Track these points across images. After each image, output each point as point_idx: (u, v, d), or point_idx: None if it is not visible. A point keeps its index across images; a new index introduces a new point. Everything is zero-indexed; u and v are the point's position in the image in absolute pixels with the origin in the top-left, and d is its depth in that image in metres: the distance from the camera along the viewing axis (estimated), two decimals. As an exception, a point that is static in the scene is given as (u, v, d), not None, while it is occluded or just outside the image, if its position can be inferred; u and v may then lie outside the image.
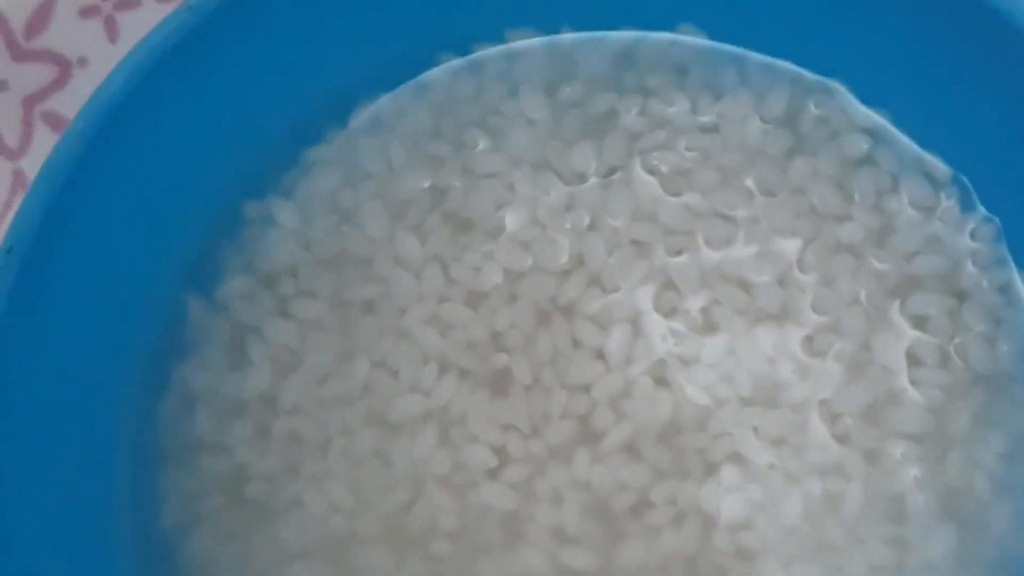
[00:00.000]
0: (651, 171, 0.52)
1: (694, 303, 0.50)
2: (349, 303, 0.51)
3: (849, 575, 0.47)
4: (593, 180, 0.52)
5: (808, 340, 0.49)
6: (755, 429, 0.49)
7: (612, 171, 0.52)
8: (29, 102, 0.58)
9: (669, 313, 0.50)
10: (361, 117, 0.54)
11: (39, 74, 0.58)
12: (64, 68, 0.58)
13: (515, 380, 0.50)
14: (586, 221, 0.51)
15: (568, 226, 0.51)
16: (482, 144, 0.53)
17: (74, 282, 0.46)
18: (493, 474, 0.49)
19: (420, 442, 0.49)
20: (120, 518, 0.49)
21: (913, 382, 0.49)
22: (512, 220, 0.52)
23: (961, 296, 0.50)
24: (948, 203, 0.51)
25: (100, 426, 0.48)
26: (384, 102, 0.54)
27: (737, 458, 0.48)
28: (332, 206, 0.53)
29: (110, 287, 0.48)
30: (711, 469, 0.48)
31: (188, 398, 0.51)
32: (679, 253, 0.51)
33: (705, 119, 0.53)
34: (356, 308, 0.51)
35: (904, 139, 0.52)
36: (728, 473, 0.48)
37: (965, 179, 0.51)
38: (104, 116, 0.45)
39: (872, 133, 0.52)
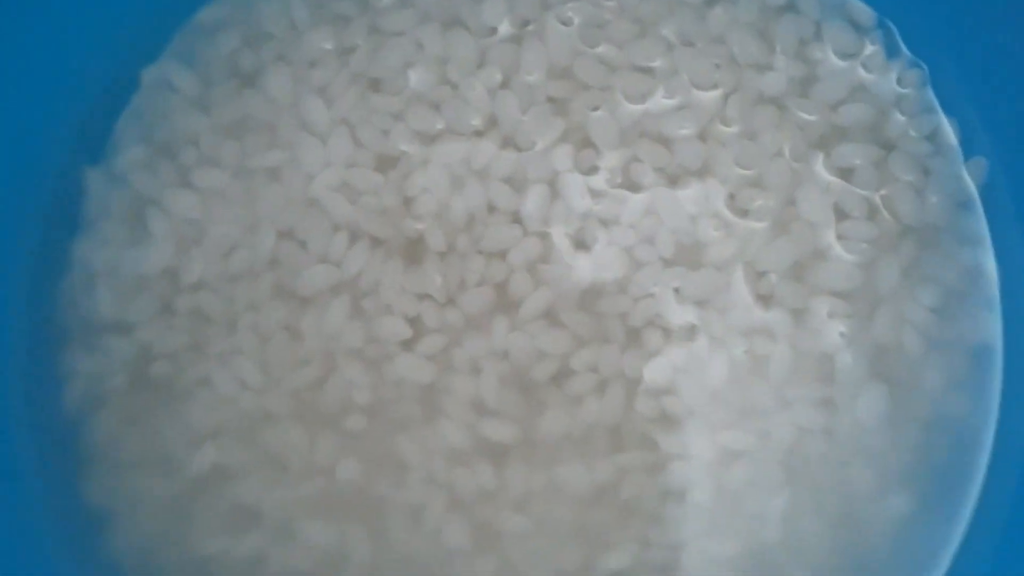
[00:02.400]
0: (565, 24, 0.48)
1: (613, 161, 0.46)
2: (253, 171, 0.47)
3: (777, 439, 0.45)
4: (505, 35, 0.48)
5: (731, 197, 0.46)
6: (677, 291, 0.45)
7: (525, 25, 0.48)
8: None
9: (587, 172, 0.46)
10: (258, -26, 0.50)
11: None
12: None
13: (429, 247, 0.46)
14: (498, 78, 0.47)
15: (480, 84, 0.47)
16: (388, 0, 0.49)
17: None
18: (408, 346, 0.45)
19: (331, 315, 0.45)
20: (16, 402, 0.45)
21: (840, 237, 0.46)
22: (420, 80, 0.48)
23: (888, 146, 0.47)
24: (872, 49, 0.48)
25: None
26: (283, -43, 0.50)
27: (659, 321, 0.45)
28: (232, 70, 0.48)
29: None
30: (633, 334, 0.45)
31: (87, 275, 0.47)
32: (596, 109, 0.47)
33: (620, -33, 0.49)
34: (261, 176, 0.47)
35: (826, -18, 0.48)
36: (650, 337, 0.45)
37: (890, 23, 0.48)
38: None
39: (793, -22, 0.48)
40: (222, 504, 0.45)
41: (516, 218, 0.46)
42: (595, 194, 0.46)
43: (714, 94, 0.47)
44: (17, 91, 0.45)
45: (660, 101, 0.47)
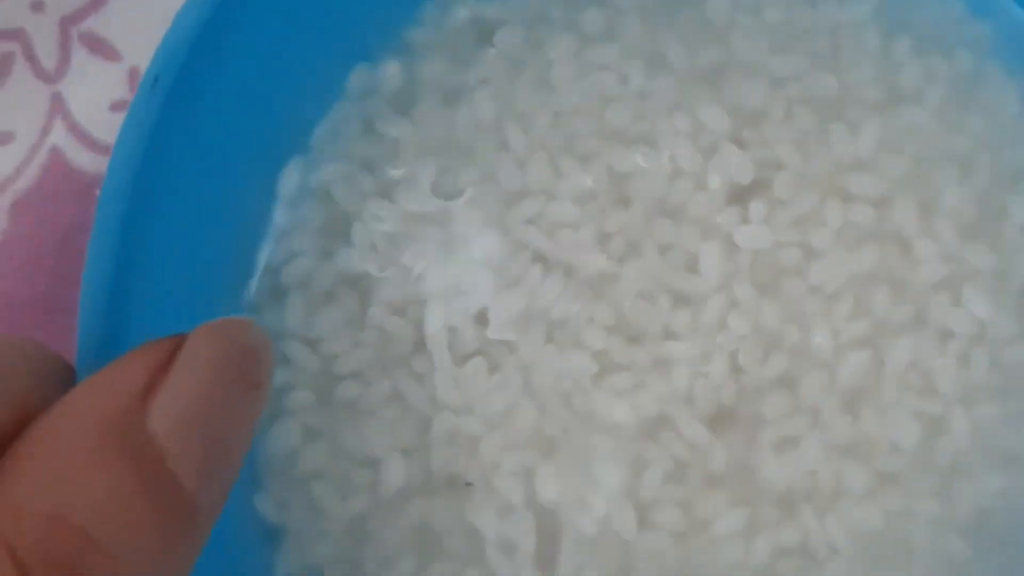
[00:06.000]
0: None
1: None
2: (451, 193, 0.45)
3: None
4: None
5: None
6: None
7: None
8: (66, 23, 0.51)
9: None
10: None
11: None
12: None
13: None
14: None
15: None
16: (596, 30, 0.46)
17: (216, 125, 0.41)
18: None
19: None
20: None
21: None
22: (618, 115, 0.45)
23: None
24: None
25: (199, 295, 0.42)
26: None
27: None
28: (438, 88, 0.46)
29: (237, 147, 0.43)
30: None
31: (278, 284, 0.44)
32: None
33: None
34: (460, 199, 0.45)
35: None
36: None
37: None
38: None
39: None
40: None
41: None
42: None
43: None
44: (228, 93, 0.42)
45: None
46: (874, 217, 0.44)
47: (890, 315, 0.43)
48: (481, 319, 0.44)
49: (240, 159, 0.43)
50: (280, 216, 0.45)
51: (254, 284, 0.44)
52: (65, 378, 0.34)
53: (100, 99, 0.50)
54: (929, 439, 0.43)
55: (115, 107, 0.50)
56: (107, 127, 0.50)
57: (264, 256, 0.44)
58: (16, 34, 0.50)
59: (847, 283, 0.44)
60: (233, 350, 0.33)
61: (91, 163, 0.50)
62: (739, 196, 0.45)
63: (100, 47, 0.51)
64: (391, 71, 0.46)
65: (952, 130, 0.45)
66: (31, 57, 0.50)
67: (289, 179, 0.45)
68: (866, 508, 0.43)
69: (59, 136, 0.50)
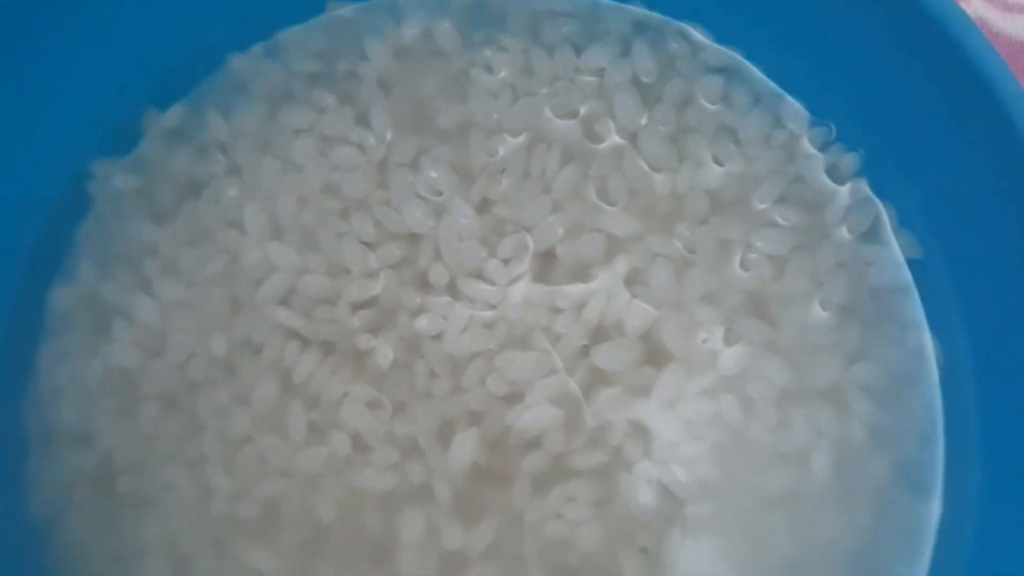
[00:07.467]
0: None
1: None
2: (207, 279, 0.45)
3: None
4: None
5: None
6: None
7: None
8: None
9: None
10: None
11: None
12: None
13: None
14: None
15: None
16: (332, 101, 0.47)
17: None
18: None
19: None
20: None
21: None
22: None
23: (824, 235, 0.46)
24: (807, 139, 0.47)
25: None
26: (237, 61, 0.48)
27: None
28: (184, 179, 0.47)
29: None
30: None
31: (52, 385, 0.45)
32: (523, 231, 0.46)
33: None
34: (215, 283, 0.45)
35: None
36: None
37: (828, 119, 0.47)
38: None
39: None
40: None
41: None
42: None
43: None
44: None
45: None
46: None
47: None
48: (244, 401, 0.44)
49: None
50: (49, 318, 0.45)
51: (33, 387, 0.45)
52: None
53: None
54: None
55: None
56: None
57: (41, 359, 0.45)
58: None
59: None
60: None
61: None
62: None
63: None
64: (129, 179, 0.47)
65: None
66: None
67: (56, 286, 0.46)
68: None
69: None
